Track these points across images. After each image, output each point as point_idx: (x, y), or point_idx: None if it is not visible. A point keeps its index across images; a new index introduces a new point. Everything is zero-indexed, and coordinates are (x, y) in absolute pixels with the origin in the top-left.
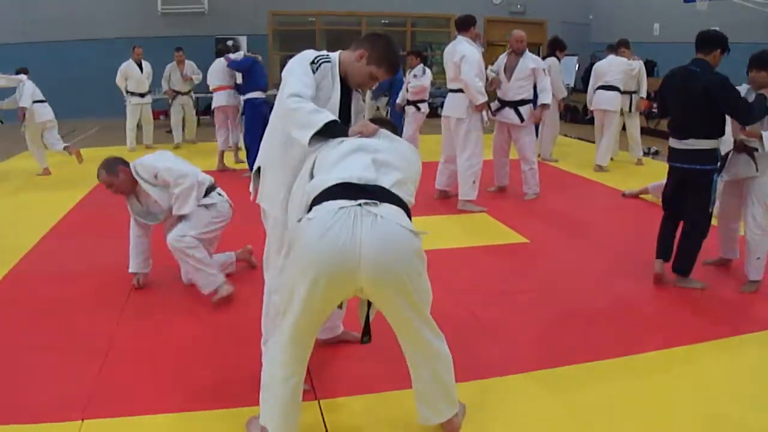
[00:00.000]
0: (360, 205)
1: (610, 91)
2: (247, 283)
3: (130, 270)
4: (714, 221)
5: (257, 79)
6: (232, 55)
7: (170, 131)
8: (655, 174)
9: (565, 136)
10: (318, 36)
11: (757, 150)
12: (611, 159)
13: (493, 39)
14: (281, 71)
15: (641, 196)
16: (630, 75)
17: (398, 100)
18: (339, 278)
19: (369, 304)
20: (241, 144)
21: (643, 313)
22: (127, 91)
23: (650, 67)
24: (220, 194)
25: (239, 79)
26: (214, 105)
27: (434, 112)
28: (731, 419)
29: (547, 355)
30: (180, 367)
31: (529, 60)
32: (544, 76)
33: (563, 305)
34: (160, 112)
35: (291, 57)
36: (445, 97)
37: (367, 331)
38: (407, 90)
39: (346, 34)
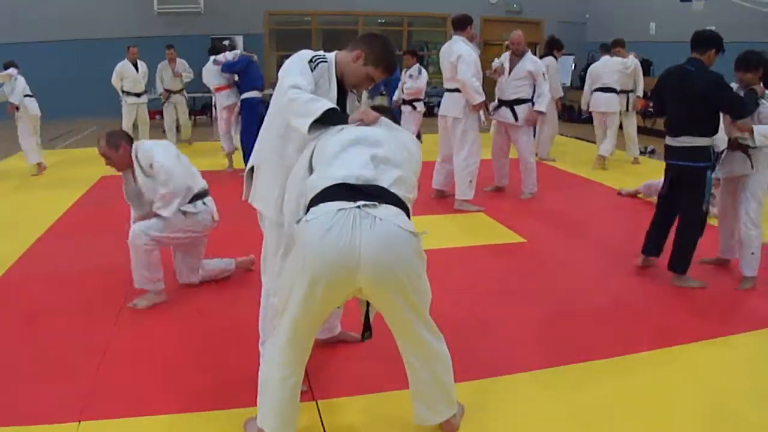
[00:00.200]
0: (359, 206)
1: (607, 92)
2: (244, 285)
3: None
4: (713, 221)
5: (253, 78)
6: (222, 57)
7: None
8: (652, 173)
9: (562, 135)
10: (314, 35)
11: (749, 147)
12: (603, 157)
13: (490, 38)
14: (278, 71)
15: (638, 195)
16: (626, 74)
17: (395, 98)
18: (338, 280)
19: (368, 302)
20: (237, 144)
21: (642, 311)
22: (123, 91)
23: (646, 67)
24: (205, 204)
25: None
26: (219, 105)
27: (430, 111)
28: (732, 415)
29: (546, 355)
30: (177, 369)
31: (528, 62)
32: (543, 81)
33: (561, 304)
34: (157, 111)
35: (287, 57)
36: (441, 97)
37: (367, 327)
38: (402, 90)
39: (342, 34)
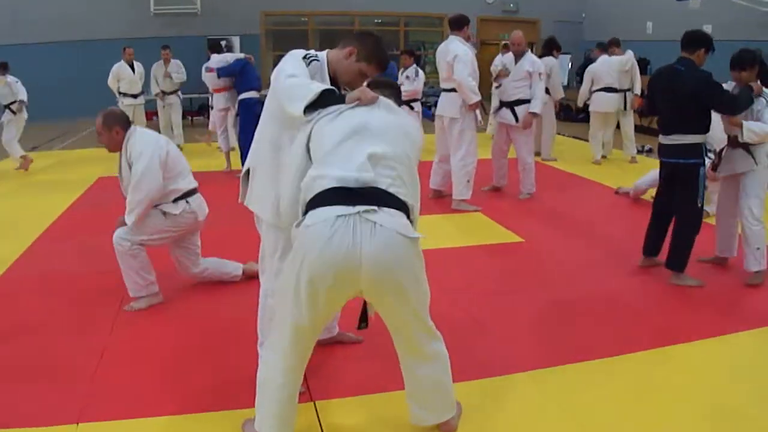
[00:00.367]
0: (358, 213)
1: (609, 93)
2: (242, 286)
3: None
4: (711, 220)
5: (250, 79)
6: (214, 64)
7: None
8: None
9: (560, 134)
10: (311, 36)
11: (750, 143)
12: (604, 157)
13: (486, 38)
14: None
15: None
16: (624, 71)
17: None
18: (341, 286)
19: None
20: (234, 144)
21: (640, 311)
22: (120, 92)
23: (643, 66)
24: (188, 203)
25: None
26: (216, 106)
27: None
28: (731, 414)
29: (543, 354)
30: (175, 370)
31: (526, 62)
32: (538, 81)
33: (559, 304)
34: (153, 112)
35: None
36: (438, 97)
37: (364, 317)
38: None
39: (339, 34)
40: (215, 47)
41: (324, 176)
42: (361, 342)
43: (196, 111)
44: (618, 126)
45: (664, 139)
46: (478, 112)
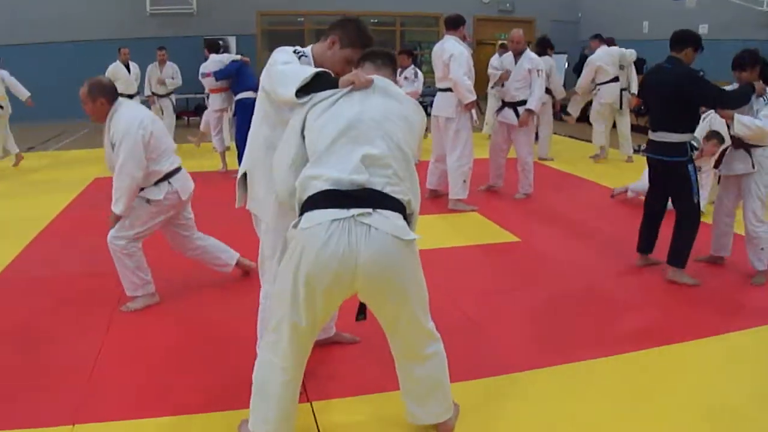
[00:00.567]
0: (353, 216)
1: (614, 83)
2: (240, 286)
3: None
4: (708, 219)
5: (246, 79)
6: (210, 66)
7: None
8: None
9: (556, 134)
10: (307, 36)
11: (751, 145)
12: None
13: (482, 38)
14: None
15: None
16: (626, 62)
17: None
18: (338, 288)
19: None
20: (229, 144)
21: (638, 310)
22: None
23: (640, 65)
24: (170, 183)
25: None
26: (211, 107)
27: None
28: (730, 413)
29: (541, 354)
30: (172, 371)
31: (526, 61)
32: (537, 78)
33: (556, 304)
34: None
35: None
36: (434, 97)
37: (362, 310)
38: None
39: None
40: (213, 47)
41: (319, 177)
42: (357, 342)
43: (192, 111)
44: (614, 125)
45: (651, 135)
46: (473, 111)
